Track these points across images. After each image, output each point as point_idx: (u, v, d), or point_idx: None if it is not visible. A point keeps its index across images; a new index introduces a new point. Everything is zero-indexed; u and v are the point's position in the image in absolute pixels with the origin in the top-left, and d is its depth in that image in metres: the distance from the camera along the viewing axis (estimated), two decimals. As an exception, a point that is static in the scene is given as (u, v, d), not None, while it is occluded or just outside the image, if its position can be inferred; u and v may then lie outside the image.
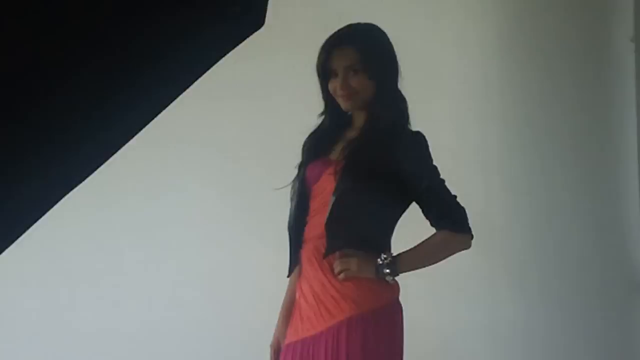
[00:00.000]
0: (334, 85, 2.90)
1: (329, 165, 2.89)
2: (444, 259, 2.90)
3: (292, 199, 2.98)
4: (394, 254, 2.84)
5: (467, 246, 2.91)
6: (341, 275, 2.79)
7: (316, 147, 2.99)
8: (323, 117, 3.01)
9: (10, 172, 0.92)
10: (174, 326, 4.43)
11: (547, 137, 4.23)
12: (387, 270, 2.80)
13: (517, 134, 4.27)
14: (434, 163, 2.88)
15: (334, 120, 2.99)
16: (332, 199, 2.81)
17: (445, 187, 2.88)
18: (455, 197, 2.89)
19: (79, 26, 0.92)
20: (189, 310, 4.42)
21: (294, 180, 2.99)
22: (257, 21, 1.11)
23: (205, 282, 4.42)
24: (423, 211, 2.88)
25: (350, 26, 2.93)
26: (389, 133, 2.86)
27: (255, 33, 1.12)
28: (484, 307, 4.24)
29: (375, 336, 2.79)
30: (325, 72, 2.91)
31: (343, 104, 2.90)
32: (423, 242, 2.86)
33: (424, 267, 2.88)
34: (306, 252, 2.90)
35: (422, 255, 2.87)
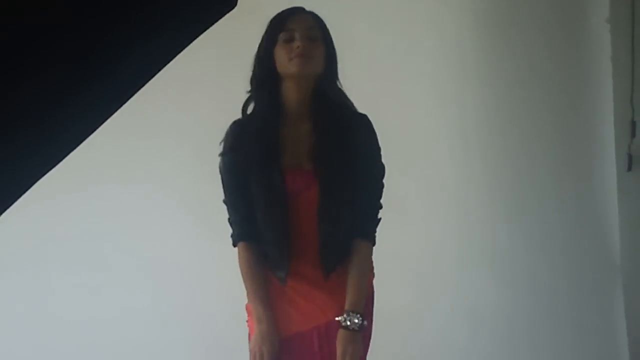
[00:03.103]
0: (289, 46, 2.82)
1: (308, 175, 2.89)
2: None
3: (237, 194, 2.96)
4: (345, 309, 2.88)
5: None
6: None
7: (264, 147, 2.91)
8: (256, 98, 2.94)
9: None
10: (152, 313, 4.41)
11: (526, 118, 4.24)
12: (358, 321, 2.87)
13: (495, 115, 4.27)
14: (382, 152, 2.95)
15: (267, 102, 2.92)
16: (319, 219, 2.88)
17: (381, 192, 2.95)
18: (381, 206, 2.96)
19: (55, 15, 0.91)
20: (167, 298, 4.41)
21: (230, 173, 2.96)
22: (229, 2, 1.09)
23: (184, 269, 4.40)
24: (354, 200, 2.91)
25: (299, 7, 2.95)
26: (342, 118, 2.89)
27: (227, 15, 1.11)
28: (466, 292, 4.25)
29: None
30: (276, 37, 2.85)
31: (296, 66, 2.81)
32: (354, 273, 2.91)
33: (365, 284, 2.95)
34: (303, 264, 2.92)
35: (363, 286, 2.93)
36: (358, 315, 2.86)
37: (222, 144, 3.00)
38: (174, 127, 4.39)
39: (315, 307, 2.91)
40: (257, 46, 2.95)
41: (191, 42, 1.08)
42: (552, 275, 4.22)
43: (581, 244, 4.21)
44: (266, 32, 2.91)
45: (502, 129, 4.26)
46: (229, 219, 3.03)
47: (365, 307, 2.93)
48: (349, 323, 2.86)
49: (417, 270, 4.20)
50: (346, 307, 2.88)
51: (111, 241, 4.43)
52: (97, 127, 1.04)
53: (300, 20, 2.87)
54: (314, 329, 2.91)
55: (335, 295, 2.91)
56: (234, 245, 3.02)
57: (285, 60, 2.83)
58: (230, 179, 2.98)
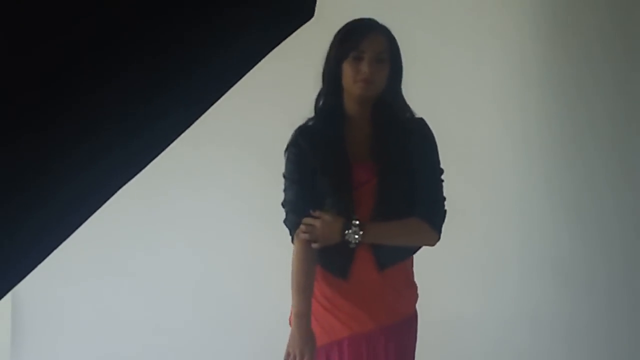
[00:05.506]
0: (356, 68, 2.88)
1: (370, 170, 2.93)
2: (407, 245, 2.96)
3: (299, 184, 2.98)
4: (363, 223, 2.87)
5: (432, 244, 2.95)
6: (305, 235, 2.88)
7: (331, 139, 2.97)
8: (324, 98, 3.00)
9: (59, 166, 0.91)
10: (218, 319, 4.44)
11: (587, 125, 4.22)
12: (355, 240, 2.85)
13: (556, 123, 4.26)
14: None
15: (332, 105, 2.99)
16: (375, 212, 2.90)
17: (441, 185, 2.96)
18: (445, 198, 2.95)
19: (129, 25, 0.91)
20: (234, 303, 4.43)
21: (298, 163, 2.99)
22: (307, 12, 1.08)
23: (250, 274, 4.42)
24: (414, 193, 2.92)
25: (371, 19, 2.97)
26: (400, 123, 2.95)
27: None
28: (528, 297, 4.24)
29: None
30: (347, 53, 2.90)
31: (360, 89, 2.89)
32: (398, 221, 2.90)
33: (387, 244, 2.91)
34: (359, 259, 2.94)
35: (391, 234, 2.91)
36: (359, 234, 2.84)
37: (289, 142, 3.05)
38: (241, 135, 4.43)
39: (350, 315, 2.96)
40: (321, 57, 2.99)
41: (270, 50, 1.08)
42: (611, 280, 4.21)
43: (640, 250, 4.20)
44: (339, 42, 2.94)
45: (563, 137, 4.25)
46: (284, 219, 3.05)
47: (410, 326, 2.99)
48: (351, 225, 2.85)
49: (479, 276, 4.19)
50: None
51: (178, 247, 4.47)
52: (182, 131, 1.04)
53: (372, 43, 2.89)
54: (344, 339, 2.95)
55: (382, 298, 2.93)
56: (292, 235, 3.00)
57: (350, 80, 2.90)
58: (294, 170, 3.01)
